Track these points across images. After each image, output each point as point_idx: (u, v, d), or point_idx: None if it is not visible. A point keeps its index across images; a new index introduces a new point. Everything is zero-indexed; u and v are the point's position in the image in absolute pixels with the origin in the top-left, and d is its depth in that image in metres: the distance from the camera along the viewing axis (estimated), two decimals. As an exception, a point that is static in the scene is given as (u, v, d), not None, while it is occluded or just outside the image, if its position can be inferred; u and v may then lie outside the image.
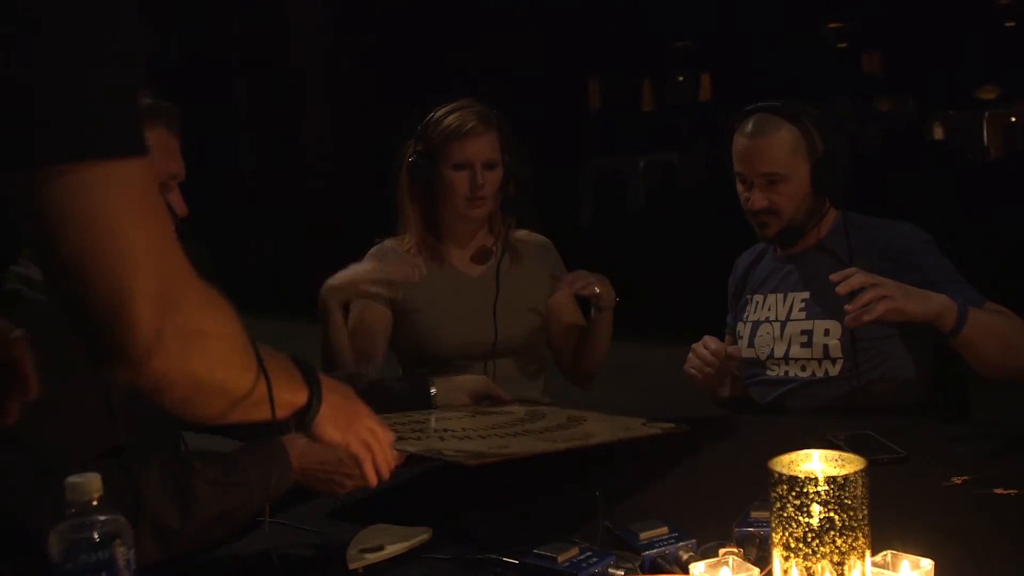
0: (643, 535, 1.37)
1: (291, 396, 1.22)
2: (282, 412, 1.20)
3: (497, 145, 2.44)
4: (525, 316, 2.51)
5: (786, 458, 1.14)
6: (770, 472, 1.12)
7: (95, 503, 1.05)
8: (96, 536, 1.05)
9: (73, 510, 1.05)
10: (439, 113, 2.46)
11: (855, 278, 1.99)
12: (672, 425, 1.87)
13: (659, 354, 2.01)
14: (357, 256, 2.47)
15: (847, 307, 2.00)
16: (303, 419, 1.25)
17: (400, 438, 1.60)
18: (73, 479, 1.05)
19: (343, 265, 2.36)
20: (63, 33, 0.93)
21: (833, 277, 2.05)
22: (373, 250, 2.54)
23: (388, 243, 2.55)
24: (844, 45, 20.61)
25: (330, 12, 14.17)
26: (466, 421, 1.93)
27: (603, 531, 1.44)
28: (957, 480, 1.64)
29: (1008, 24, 19.88)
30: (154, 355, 0.97)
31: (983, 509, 1.52)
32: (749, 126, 2.36)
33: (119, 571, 1.05)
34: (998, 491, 1.57)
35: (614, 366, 2.53)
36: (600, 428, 1.87)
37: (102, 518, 1.06)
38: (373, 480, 1.40)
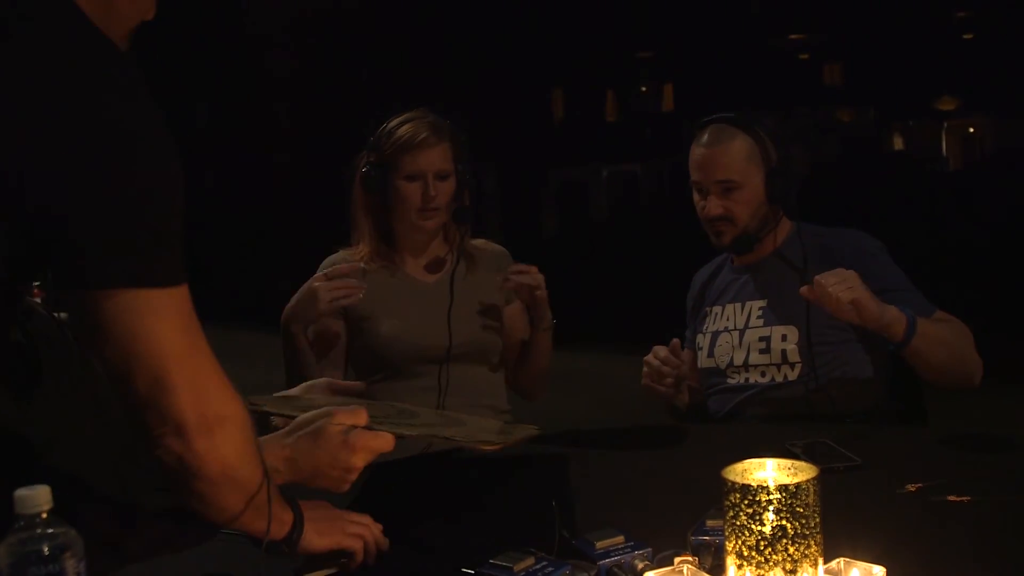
0: (599, 544, 1.37)
1: (281, 512, 1.34)
2: (276, 529, 1.33)
3: (450, 155, 2.44)
4: (480, 323, 2.49)
5: (739, 466, 1.15)
6: (723, 481, 1.13)
7: (44, 515, 1.04)
8: (46, 549, 1.03)
9: (22, 523, 1.04)
10: (392, 124, 2.46)
11: (824, 276, 2.06)
12: (530, 430, 1.76)
13: (621, 363, 2.02)
14: (315, 266, 2.46)
15: (813, 290, 2.07)
16: (291, 538, 1.36)
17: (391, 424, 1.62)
18: (21, 491, 1.04)
19: (301, 275, 2.35)
20: (120, 170, 1.10)
21: (803, 291, 2.10)
22: (326, 262, 2.53)
23: (341, 254, 2.55)
24: (805, 56, 20.81)
25: (295, 22, 14.14)
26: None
27: (559, 540, 1.44)
28: (911, 487, 1.66)
29: (966, 36, 20.16)
30: (188, 438, 1.18)
31: (936, 516, 1.54)
32: (705, 136, 2.41)
33: (69, 584, 1.04)
34: (951, 498, 1.59)
35: (576, 374, 2.55)
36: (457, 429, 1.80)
37: (51, 531, 1.04)
38: (371, 560, 1.44)
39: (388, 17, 13.84)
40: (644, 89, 20.51)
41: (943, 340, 2.15)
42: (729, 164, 2.37)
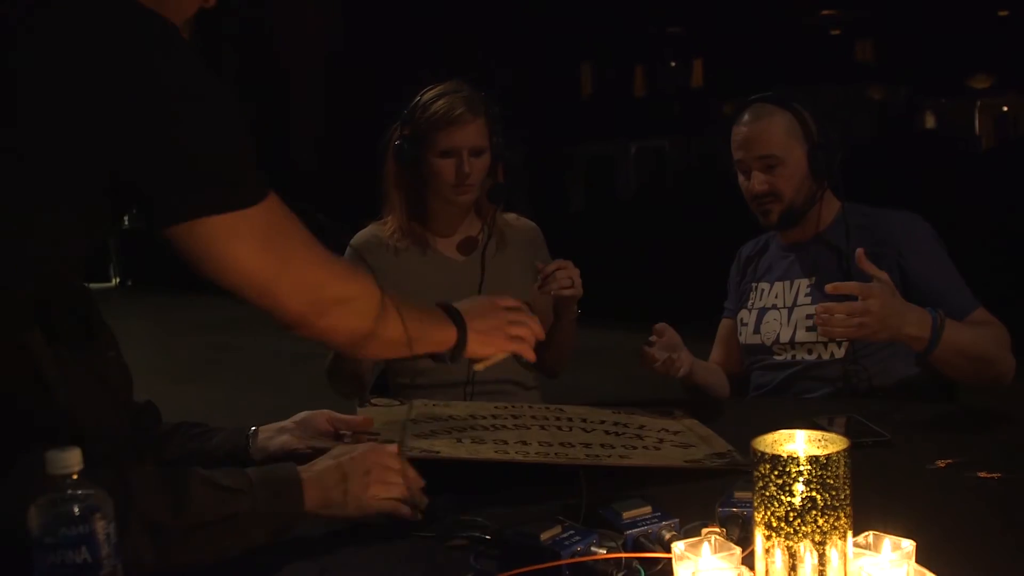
0: (626, 514, 1.37)
1: (441, 336, 1.59)
2: (437, 348, 1.59)
3: (485, 131, 2.41)
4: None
5: (769, 438, 1.14)
6: (752, 451, 1.12)
7: (75, 476, 1.05)
8: (76, 510, 1.04)
9: (52, 483, 1.04)
10: (426, 97, 2.42)
11: (850, 285, 2.00)
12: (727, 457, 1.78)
13: (644, 339, 2.02)
14: (340, 244, 2.44)
15: (819, 317, 2.00)
16: (455, 352, 1.61)
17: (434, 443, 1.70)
18: (52, 452, 1.04)
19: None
20: (194, 107, 1.20)
21: (831, 288, 2.04)
22: (355, 239, 2.51)
23: (370, 229, 2.53)
24: (837, 32, 20.61)
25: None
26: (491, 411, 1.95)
27: (586, 510, 1.43)
28: (940, 463, 1.65)
29: (1001, 13, 19.89)
30: (308, 323, 1.37)
31: (966, 491, 1.53)
32: (745, 116, 2.43)
33: (99, 545, 1.05)
34: (981, 474, 1.57)
35: (603, 351, 2.54)
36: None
37: (82, 492, 1.05)
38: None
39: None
40: (673, 64, 20.37)
41: (971, 349, 2.11)
42: (770, 139, 2.37)
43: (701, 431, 1.95)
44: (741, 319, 2.54)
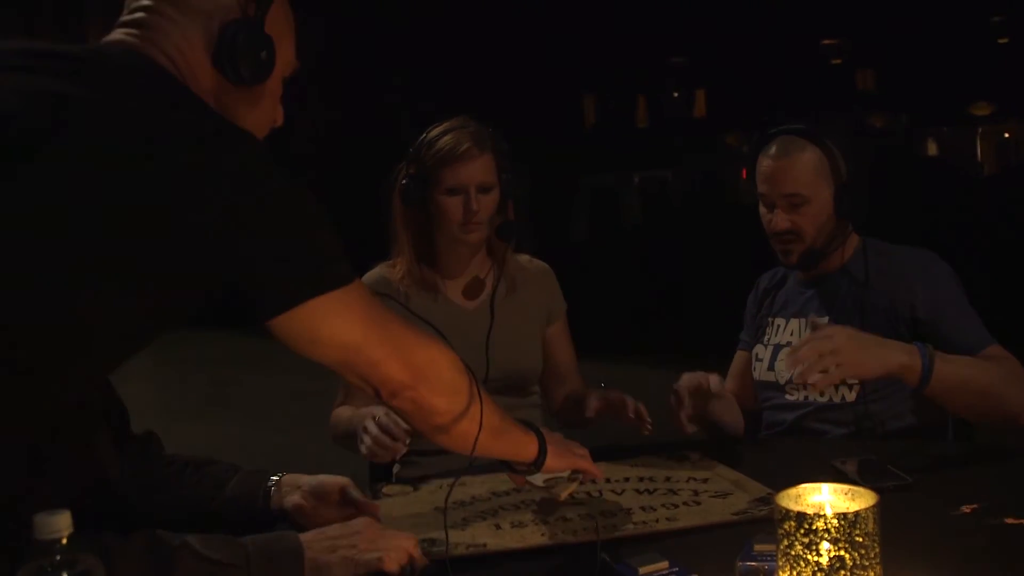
0: (643, 570, 1.32)
1: (523, 438, 1.65)
2: (516, 452, 1.65)
3: (492, 167, 2.35)
4: (519, 350, 2.42)
5: (793, 491, 1.09)
6: (776, 507, 1.07)
7: (64, 541, 1.00)
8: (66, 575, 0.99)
9: (41, 547, 0.99)
10: (432, 134, 2.37)
11: (801, 353, 1.91)
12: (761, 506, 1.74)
13: (655, 371, 1.95)
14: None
15: (795, 374, 1.95)
16: (539, 460, 1.65)
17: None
18: (41, 516, 1.00)
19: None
20: (279, 214, 1.28)
21: (786, 361, 1.99)
22: (364, 280, 2.38)
23: (379, 270, 2.48)
24: (838, 62, 20.66)
25: (324, 29, 14.21)
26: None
27: (601, 565, 1.38)
28: (966, 509, 1.59)
29: (1001, 40, 19.94)
30: (410, 388, 1.43)
31: (995, 540, 1.47)
32: (773, 148, 2.34)
33: (89, 612, 1.00)
34: (1009, 520, 1.52)
35: (609, 383, 2.48)
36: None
37: (71, 557, 1.00)
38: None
39: (422, 23, 13.85)
40: (676, 95, 20.41)
41: (972, 384, 2.00)
42: (797, 177, 2.29)
43: (730, 475, 1.91)
44: (756, 354, 2.48)
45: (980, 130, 22.63)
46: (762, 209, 2.39)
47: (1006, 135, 22.46)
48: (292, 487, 1.74)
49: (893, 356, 1.94)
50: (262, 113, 1.48)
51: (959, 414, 2.13)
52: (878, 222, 2.39)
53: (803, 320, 2.39)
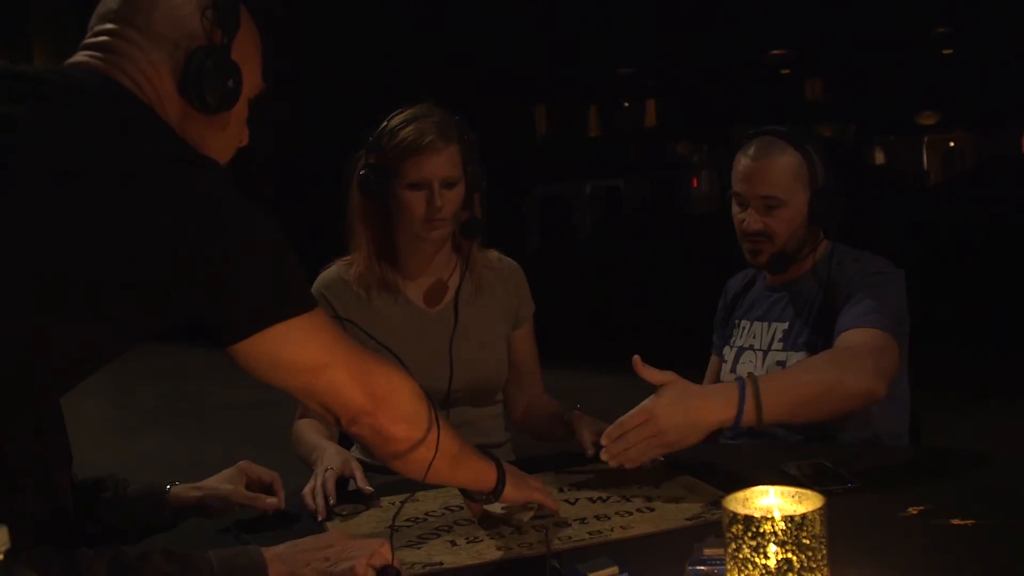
0: (591, 575, 1.31)
1: (481, 465, 1.63)
2: (475, 481, 1.64)
3: (458, 159, 2.20)
4: (483, 357, 2.32)
5: (741, 495, 1.09)
6: (724, 511, 1.07)
7: (1, 557, 0.97)
8: (2, 591, 0.97)
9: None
10: (393, 122, 2.21)
11: (628, 449, 1.83)
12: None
13: (604, 379, 1.93)
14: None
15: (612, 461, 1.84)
16: (497, 488, 1.64)
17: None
18: (-23, 530, 0.97)
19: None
20: (240, 242, 1.26)
21: (609, 451, 1.86)
22: (321, 279, 2.33)
23: (335, 268, 2.34)
24: (787, 72, 20.89)
25: (277, 30, 14.16)
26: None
27: (550, 571, 1.38)
28: (912, 510, 1.60)
29: (946, 52, 20.28)
30: (369, 413, 1.41)
31: (940, 540, 1.48)
32: (753, 148, 2.32)
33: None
34: (955, 522, 1.53)
35: (559, 391, 2.47)
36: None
37: (8, 572, 0.98)
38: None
39: (376, 33, 13.82)
40: (627, 105, 20.53)
41: (806, 393, 1.92)
42: (775, 180, 2.28)
43: (682, 480, 1.90)
44: (724, 355, 2.48)
45: (926, 139, 22.98)
46: (735, 208, 2.36)
47: (951, 144, 22.82)
48: (189, 487, 1.80)
49: (709, 418, 1.85)
50: (228, 138, 1.47)
51: (815, 420, 2.01)
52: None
53: (766, 324, 2.40)
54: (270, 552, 1.42)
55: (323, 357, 1.36)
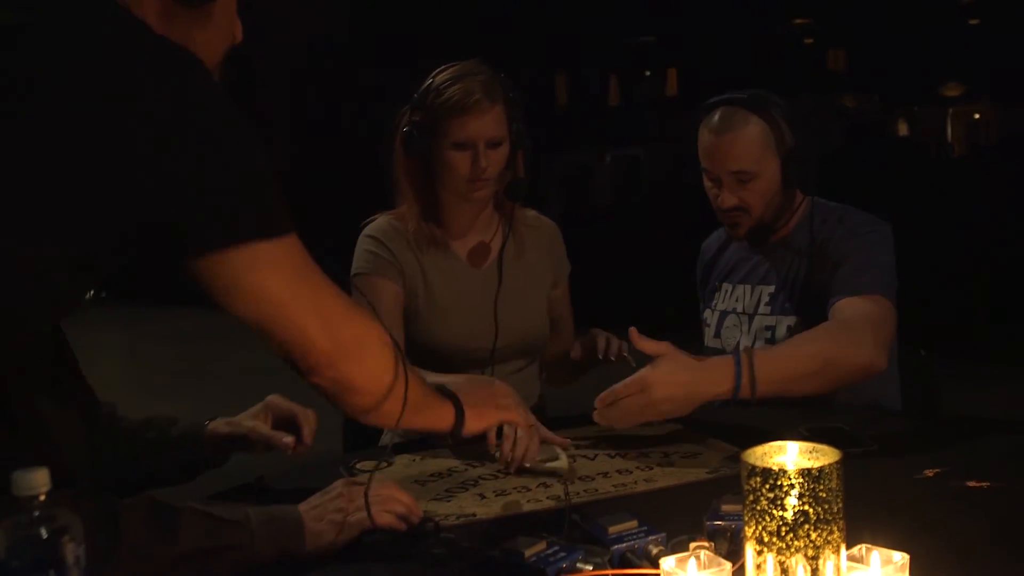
0: (612, 529, 1.34)
1: (441, 410, 1.58)
2: (435, 424, 1.58)
3: (503, 119, 2.18)
4: (527, 315, 2.34)
5: (759, 449, 1.12)
6: (743, 464, 1.09)
7: (42, 498, 1.01)
8: (44, 532, 1.00)
9: (20, 505, 1.00)
10: (439, 79, 2.19)
11: (618, 415, 1.85)
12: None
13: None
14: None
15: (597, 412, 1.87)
16: (456, 429, 1.59)
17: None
18: (19, 473, 1.00)
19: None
20: (230, 141, 1.20)
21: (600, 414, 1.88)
22: (372, 227, 2.31)
23: (385, 219, 2.33)
24: (810, 42, 20.71)
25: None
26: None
27: (570, 525, 1.40)
28: (929, 473, 1.62)
29: (972, 22, 20.06)
30: (333, 363, 1.32)
31: (957, 502, 1.50)
32: (715, 120, 2.25)
33: (68, 568, 1.01)
34: (971, 483, 1.55)
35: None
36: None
37: (50, 514, 1.01)
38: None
39: (393, 3, 13.78)
40: (648, 74, 20.43)
41: (803, 368, 1.92)
42: (742, 154, 2.21)
43: (696, 437, 1.94)
44: (705, 319, 2.45)
45: (951, 111, 22.77)
46: (707, 183, 2.31)
47: (976, 116, 22.61)
48: (225, 423, 1.78)
49: (704, 391, 1.86)
50: (215, 32, 1.37)
51: (812, 394, 1.98)
52: (850, 200, 2.37)
53: (749, 287, 2.37)
54: (301, 508, 1.43)
55: (290, 291, 1.27)
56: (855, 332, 1.98)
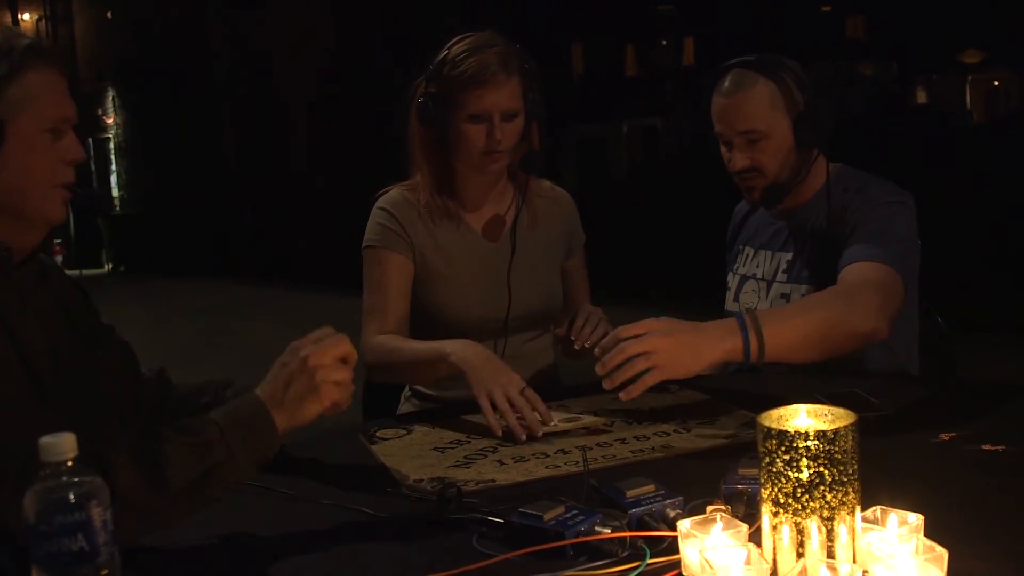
0: (630, 493, 1.36)
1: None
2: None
3: (519, 91, 2.17)
4: (540, 285, 2.34)
5: (775, 413, 1.13)
6: (759, 427, 1.10)
7: (69, 463, 1.03)
8: (72, 497, 1.02)
9: (47, 471, 1.02)
10: (455, 51, 2.17)
11: (609, 358, 1.78)
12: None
13: (642, 318, 1.92)
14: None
15: (606, 380, 1.79)
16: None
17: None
18: (46, 439, 1.02)
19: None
20: None
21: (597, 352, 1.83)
22: (385, 199, 2.31)
23: (398, 191, 2.32)
24: (828, 8, 20.53)
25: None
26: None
27: (589, 489, 1.42)
28: (944, 436, 1.63)
29: (991, -12, 19.83)
30: None
31: (972, 464, 1.52)
32: (726, 83, 2.27)
33: (96, 532, 1.03)
34: (986, 447, 1.56)
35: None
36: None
37: (77, 479, 1.03)
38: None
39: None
40: (665, 43, 20.29)
41: (810, 331, 1.89)
42: (752, 113, 2.22)
43: (711, 404, 1.96)
44: (727, 283, 2.46)
45: (970, 78, 22.55)
46: (722, 148, 2.31)
47: (995, 83, 22.40)
48: None
49: (711, 350, 1.81)
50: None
51: (815, 359, 1.95)
52: (865, 168, 2.36)
53: (770, 254, 2.37)
54: (266, 398, 1.40)
55: None
56: (858, 299, 1.96)
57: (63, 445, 1.03)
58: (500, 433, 1.85)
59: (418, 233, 2.29)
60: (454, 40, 2.21)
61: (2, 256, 1.51)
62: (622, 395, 1.77)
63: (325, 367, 1.41)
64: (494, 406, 1.87)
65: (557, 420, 1.89)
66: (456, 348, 2.01)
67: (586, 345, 2.07)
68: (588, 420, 1.90)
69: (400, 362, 2.17)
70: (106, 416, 1.61)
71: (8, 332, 1.47)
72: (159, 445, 1.33)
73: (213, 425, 1.37)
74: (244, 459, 1.37)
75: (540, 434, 1.82)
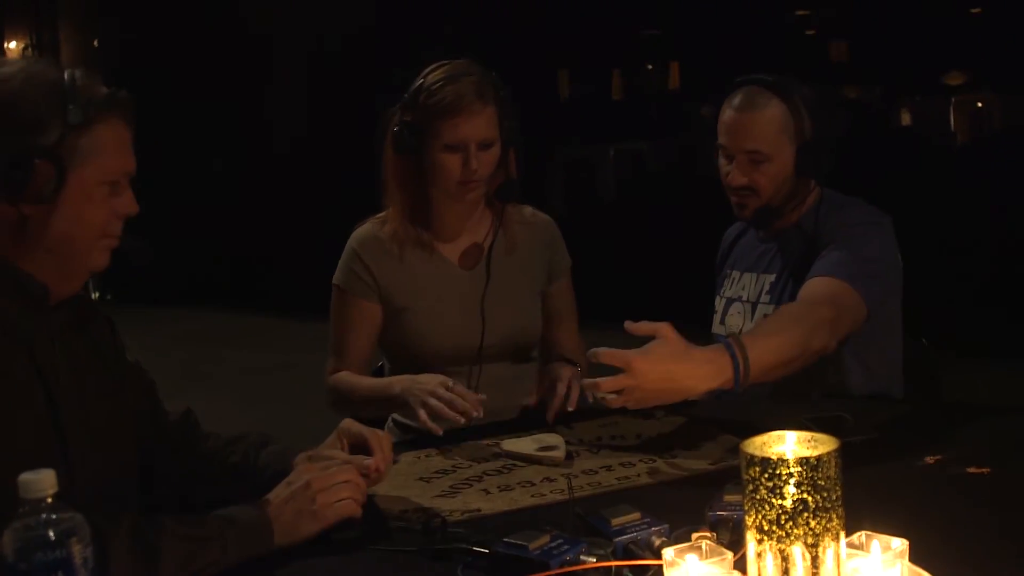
0: (615, 521, 1.35)
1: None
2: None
3: (495, 119, 2.15)
4: (516, 314, 2.30)
5: (758, 440, 1.13)
6: (742, 454, 1.10)
7: (49, 500, 1.02)
8: (51, 534, 1.02)
9: (27, 508, 1.02)
10: (430, 79, 2.15)
11: (607, 384, 1.78)
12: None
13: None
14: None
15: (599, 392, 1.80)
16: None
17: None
18: (26, 475, 1.02)
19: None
20: None
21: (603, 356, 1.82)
22: (356, 236, 2.31)
23: (369, 227, 2.31)
24: (812, 32, 20.67)
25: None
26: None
27: (574, 518, 1.42)
28: (929, 459, 1.64)
29: (974, 11, 19.99)
30: None
31: (957, 488, 1.52)
32: (738, 98, 2.26)
33: (76, 570, 1.02)
34: (971, 470, 1.57)
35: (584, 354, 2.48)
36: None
37: (57, 516, 1.02)
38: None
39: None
40: (650, 67, 20.38)
41: (785, 353, 1.90)
42: (759, 134, 2.22)
43: (702, 430, 1.95)
44: (714, 306, 2.45)
45: (954, 100, 22.68)
46: (721, 160, 2.31)
47: (979, 104, 22.52)
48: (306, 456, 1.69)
49: (701, 385, 1.80)
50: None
51: (779, 378, 1.97)
52: (853, 191, 2.37)
53: (755, 276, 2.37)
54: (269, 509, 1.46)
55: None
56: (814, 314, 1.99)
57: (42, 482, 1.02)
58: (440, 432, 1.91)
59: (385, 273, 2.27)
60: (430, 68, 2.20)
61: (39, 295, 1.49)
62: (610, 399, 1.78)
63: (326, 491, 1.48)
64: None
65: (534, 447, 1.88)
66: (404, 383, 2.06)
67: (570, 409, 2.06)
68: (555, 453, 1.85)
69: (357, 400, 2.22)
70: (118, 477, 1.59)
71: (38, 373, 1.46)
72: (158, 538, 1.34)
73: (215, 523, 1.41)
74: (235, 558, 1.40)
75: (476, 413, 1.90)
